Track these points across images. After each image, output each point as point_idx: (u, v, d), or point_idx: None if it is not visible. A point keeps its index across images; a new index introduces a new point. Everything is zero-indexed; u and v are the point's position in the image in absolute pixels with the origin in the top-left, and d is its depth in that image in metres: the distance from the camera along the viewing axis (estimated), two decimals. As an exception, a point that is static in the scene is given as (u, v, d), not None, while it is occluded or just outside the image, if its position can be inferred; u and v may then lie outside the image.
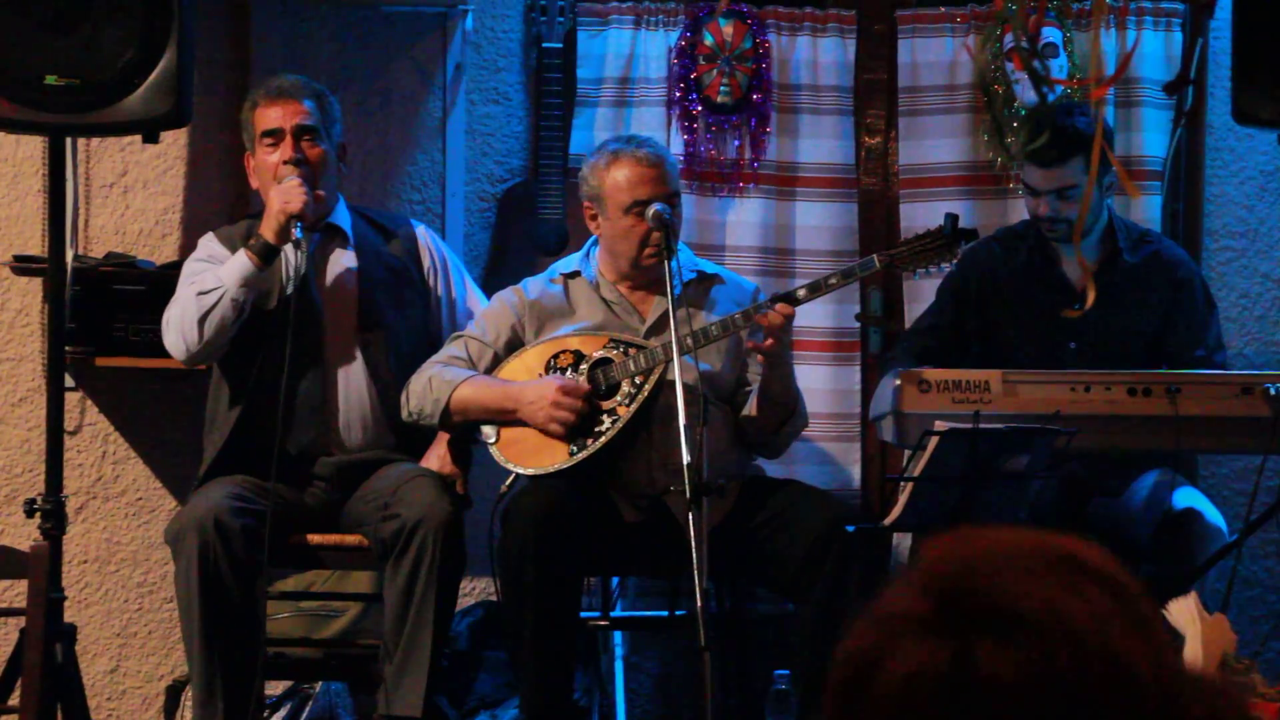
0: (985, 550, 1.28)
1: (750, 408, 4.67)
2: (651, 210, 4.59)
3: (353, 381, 4.76)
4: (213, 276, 4.61)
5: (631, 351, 4.63)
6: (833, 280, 4.57)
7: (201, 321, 4.59)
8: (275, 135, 4.70)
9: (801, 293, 4.56)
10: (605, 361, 4.65)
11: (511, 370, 4.71)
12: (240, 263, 4.59)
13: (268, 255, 4.59)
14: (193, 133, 5.25)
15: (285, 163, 4.67)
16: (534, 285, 4.80)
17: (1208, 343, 4.95)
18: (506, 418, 4.64)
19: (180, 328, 4.62)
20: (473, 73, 5.47)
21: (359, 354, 4.77)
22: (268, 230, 4.58)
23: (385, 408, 4.75)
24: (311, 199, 4.61)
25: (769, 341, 4.48)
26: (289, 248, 4.60)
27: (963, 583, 1.25)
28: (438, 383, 4.66)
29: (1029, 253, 5.00)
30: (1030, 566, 1.26)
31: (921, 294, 5.38)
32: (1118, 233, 4.98)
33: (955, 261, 4.84)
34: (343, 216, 4.85)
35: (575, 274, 4.78)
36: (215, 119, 5.24)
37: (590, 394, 4.61)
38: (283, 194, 4.59)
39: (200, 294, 4.59)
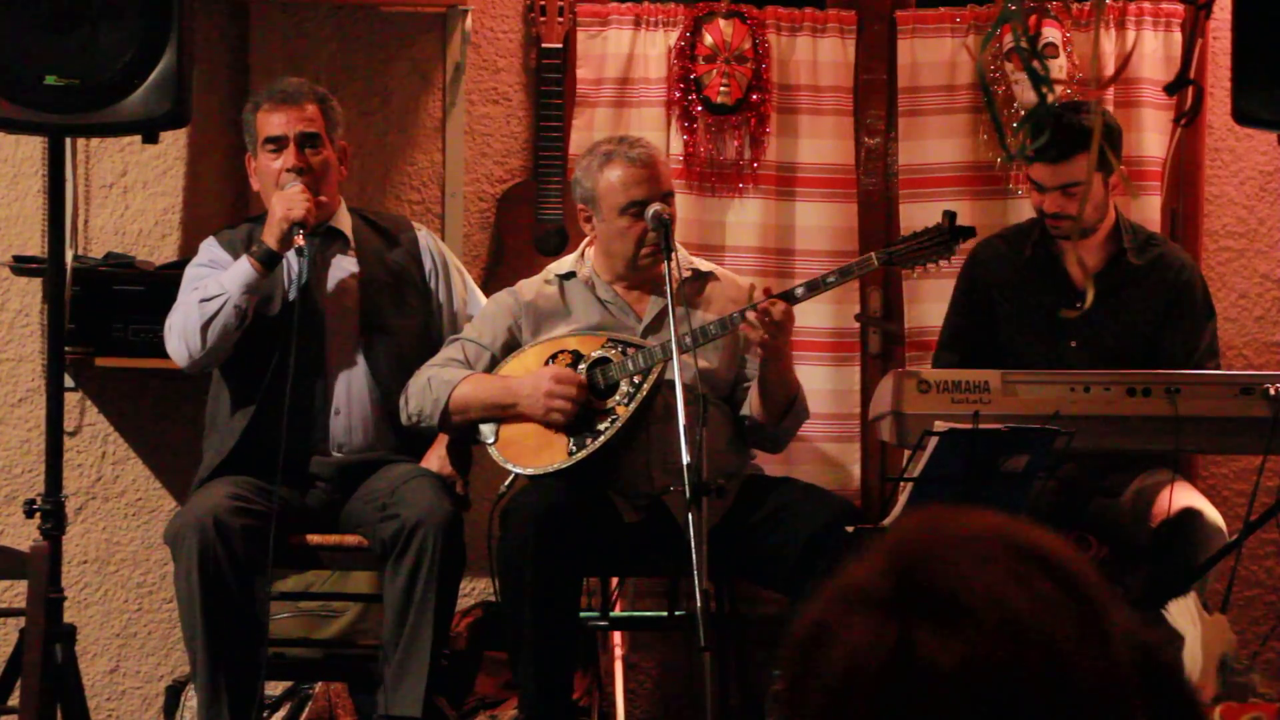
0: (945, 534, 1.28)
1: (750, 403, 4.67)
2: (651, 211, 4.59)
3: (354, 385, 4.76)
4: (215, 283, 4.61)
5: (630, 351, 4.63)
6: (831, 279, 4.58)
7: (204, 328, 4.59)
8: (278, 142, 4.69)
9: (800, 291, 4.56)
10: (604, 361, 4.65)
11: (510, 370, 4.71)
12: (243, 269, 4.59)
13: (270, 262, 4.59)
14: (192, 133, 5.25)
15: (288, 170, 4.66)
16: (529, 287, 4.80)
17: (1198, 348, 4.95)
18: (506, 413, 4.64)
19: (183, 334, 4.62)
20: (472, 73, 5.47)
21: (361, 358, 4.77)
22: (270, 237, 4.58)
23: (387, 410, 4.75)
24: (314, 206, 4.61)
25: (763, 335, 4.48)
26: (291, 253, 4.60)
27: (917, 565, 1.25)
28: (436, 383, 4.66)
29: (1034, 250, 5.00)
30: (983, 555, 1.26)
31: (921, 294, 5.38)
32: (1123, 234, 4.98)
33: (965, 260, 4.85)
34: (344, 220, 4.85)
35: (570, 275, 4.78)
36: (215, 119, 5.24)
37: (588, 392, 4.61)
38: (285, 201, 4.59)
39: (203, 301, 4.59)
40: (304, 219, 4.56)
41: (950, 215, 4.54)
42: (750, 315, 4.49)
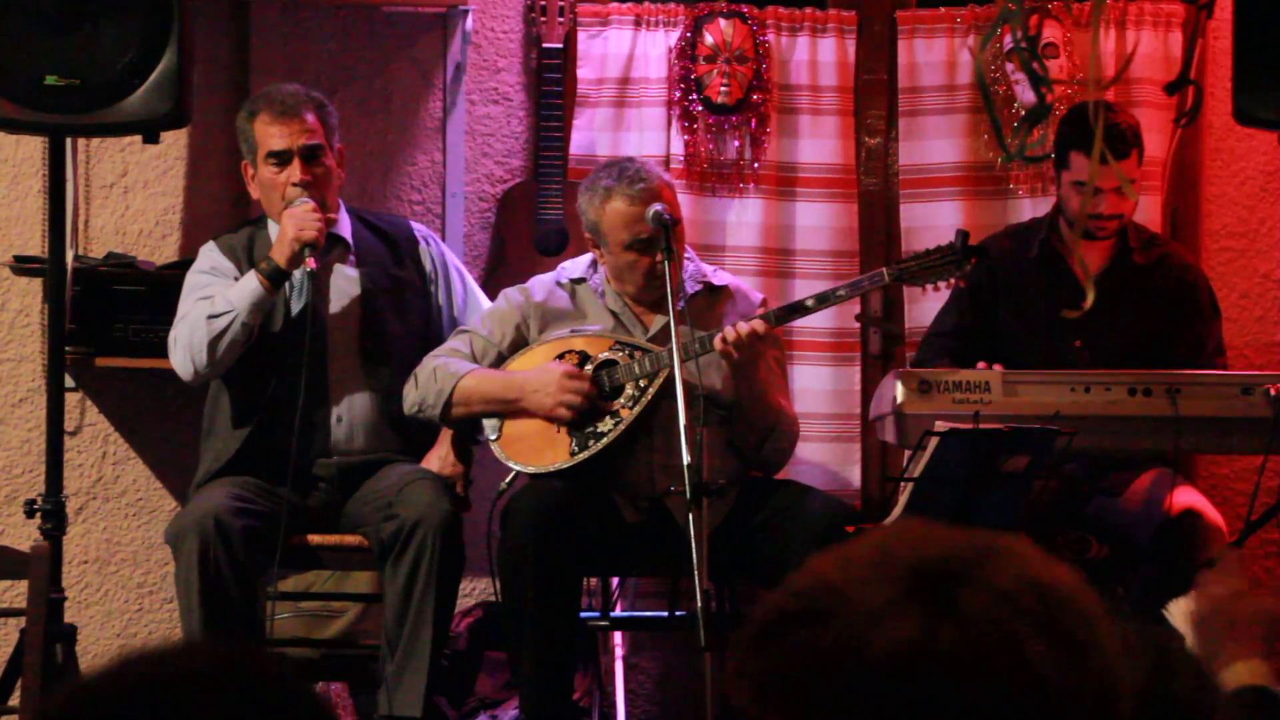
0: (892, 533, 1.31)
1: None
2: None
3: (356, 392, 4.75)
4: (223, 299, 4.59)
5: (637, 354, 4.64)
6: (841, 292, 4.59)
7: (213, 345, 4.57)
8: (281, 156, 4.67)
9: (810, 302, 4.59)
10: (611, 363, 4.65)
11: (517, 367, 4.71)
12: (251, 287, 4.58)
13: (278, 280, 4.58)
14: (192, 133, 5.24)
15: (295, 185, 4.65)
16: (540, 287, 4.80)
17: (1208, 348, 4.96)
18: (510, 408, 4.64)
19: (189, 349, 4.61)
20: (473, 73, 5.47)
21: (362, 364, 4.76)
22: (280, 256, 4.56)
23: (388, 415, 4.75)
24: (325, 225, 4.60)
25: (730, 350, 4.47)
26: (298, 270, 4.60)
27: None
28: (442, 374, 4.66)
29: (1040, 249, 5.00)
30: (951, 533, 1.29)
31: (921, 295, 5.37)
32: (1128, 233, 4.99)
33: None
34: (344, 225, 4.84)
35: (581, 280, 4.78)
36: (215, 119, 5.24)
37: (594, 394, 4.61)
38: (297, 222, 4.57)
39: (210, 317, 4.58)
40: (315, 240, 4.56)
41: (963, 235, 4.53)
42: (727, 331, 4.48)
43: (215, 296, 4.62)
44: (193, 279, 4.74)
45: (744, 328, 4.47)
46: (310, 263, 4.55)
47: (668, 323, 4.53)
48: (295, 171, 4.65)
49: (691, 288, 4.70)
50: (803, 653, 1.28)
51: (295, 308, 4.66)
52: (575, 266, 4.82)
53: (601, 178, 4.70)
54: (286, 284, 4.66)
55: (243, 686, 1.29)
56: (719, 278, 4.84)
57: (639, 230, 4.60)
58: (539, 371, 4.63)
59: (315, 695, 1.34)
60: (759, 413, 4.62)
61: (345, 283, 4.80)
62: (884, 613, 1.25)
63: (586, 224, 4.70)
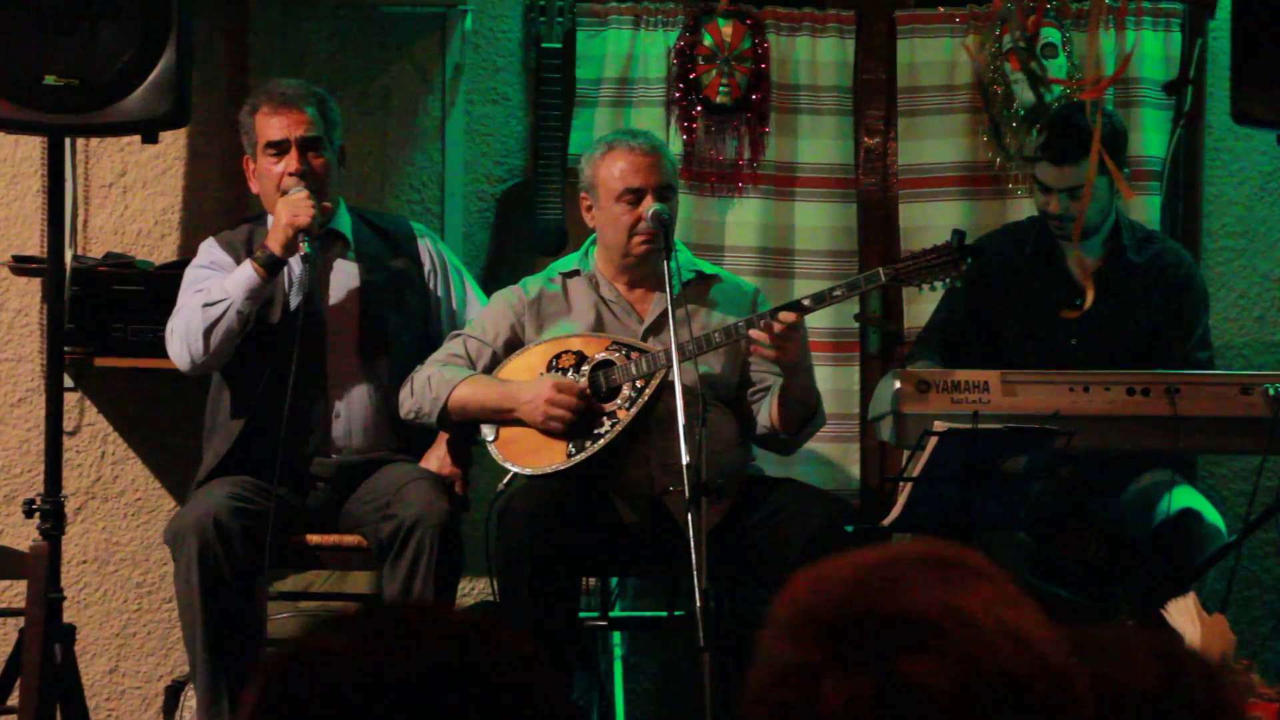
0: (861, 571, 1.29)
1: (770, 412, 4.66)
2: (650, 211, 4.60)
3: (354, 388, 4.75)
4: (218, 288, 4.60)
5: (634, 355, 4.64)
6: (838, 292, 4.59)
7: (207, 334, 4.58)
8: (279, 146, 4.68)
9: (807, 302, 4.58)
10: (607, 364, 4.65)
11: (513, 370, 4.71)
12: (246, 275, 4.58)
13: (274, 268, 4.59)
14: (191, 133, 5.24)
15: (290, 175, 4.65)
16: (533, 284, 4.81)
17: (1190, 339, 4.97)
18: (504, 418, 4.65)
19: (185, 339, 4.62)
20: (472, 73, 5.47)
21: (361, 361, 4.76)
22: (274, 243, 4.57)
23: (386, 413, 4.75)
24: (319, 212, 4.60)
25: (775, 352, 4.48)
26: (294, 259, 4.60)
27: (853, 609, 1.25)
28: (437, 381, 4.66)
29: (1034, 247, 5.01)
30: (914, 572, 1.27)
31: (919, 295, 5.37)
32: (1123, 232, 4.99)
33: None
34: (343, 221, 4.84)
35: (574, 273, 4.79)
36: (214, 119, 5.24)
37: (589, 395, 4.61)
38: (291, 208, 4.58)
39: (206, 305, 4.59)
40: (309, 225, 4.56)
41: (959, 234, 4.53)
42: (753, 334, 4.48)
43: (211, 287, 4.63)
44: (191, 273, 4.75)
45: (776, 326, 4.46)
46: (302, 246, 4.55)
47: (664, 310, 4.52)
48: (291, 161, 4.66)
49: (684, 275, 4.70)
50: (773, 709, 1.27)
51: (294, 302, 4.67)
52: (567, 261, 4.84)
53: (606, 136, 4.81)
54: (286, 278, 4.67)
55: (488, 658, 1.27)
56: (707, 267, 4.87)
57: (631, 181, 4.62)
58: (531, 385, 4.63)
59: (554, 678, 1.30)
60: (808, 397, 4.62)
61: (345, 277, 4.80)
62: (818, 676, 1.25)
63: (583, 183, 4.73)
